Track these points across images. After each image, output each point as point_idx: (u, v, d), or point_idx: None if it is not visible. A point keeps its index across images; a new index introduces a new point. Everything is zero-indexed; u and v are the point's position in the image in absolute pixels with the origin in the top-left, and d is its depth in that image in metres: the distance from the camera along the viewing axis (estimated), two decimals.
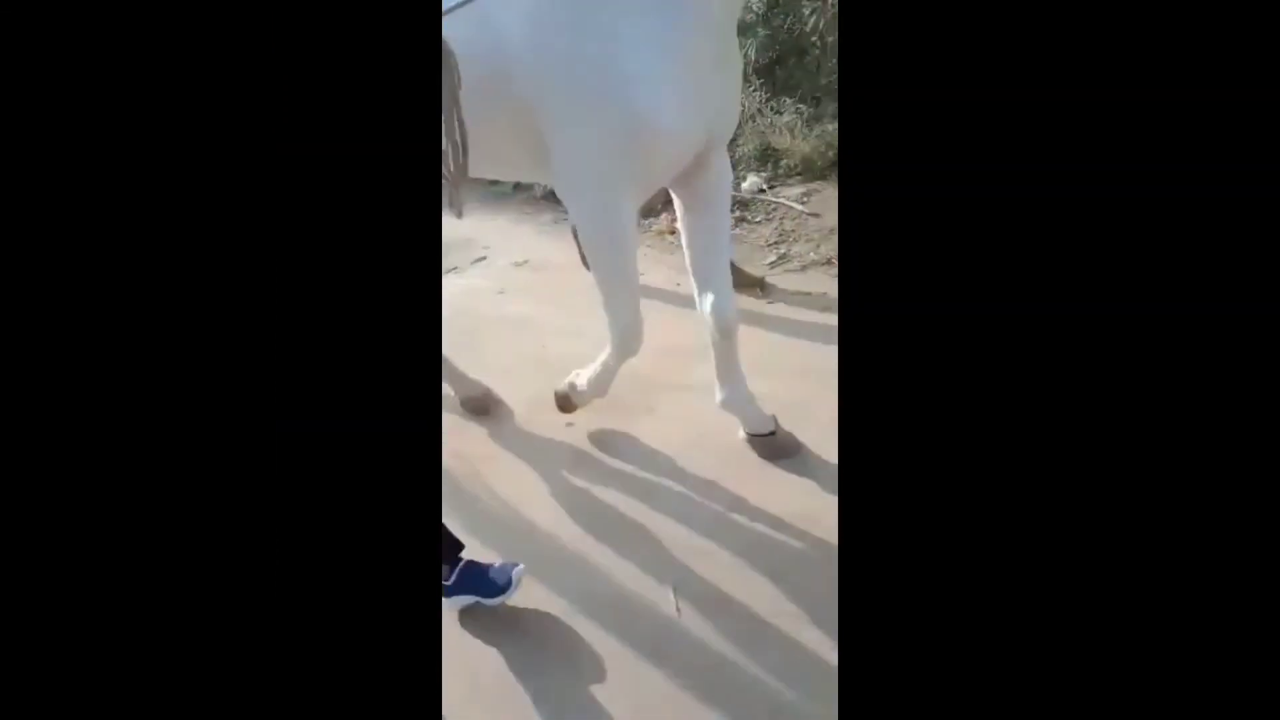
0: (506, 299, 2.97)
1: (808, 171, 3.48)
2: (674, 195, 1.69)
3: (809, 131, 3.50)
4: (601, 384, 1.88)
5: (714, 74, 1.39)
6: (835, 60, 3.46)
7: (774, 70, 3.82)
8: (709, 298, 1.67)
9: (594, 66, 1.27)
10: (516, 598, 1.50)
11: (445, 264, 3.04)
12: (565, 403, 1.96)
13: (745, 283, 2.64)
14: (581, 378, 1.91)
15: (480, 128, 1.30)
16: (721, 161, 1.62)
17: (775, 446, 1.82)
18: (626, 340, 1.69)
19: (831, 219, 3.13)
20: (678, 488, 1.82)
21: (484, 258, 3.33)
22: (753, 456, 1.87)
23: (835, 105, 3.47)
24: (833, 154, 3.44)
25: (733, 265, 2.32)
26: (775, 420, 1.84)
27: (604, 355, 1.82)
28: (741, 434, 1.86)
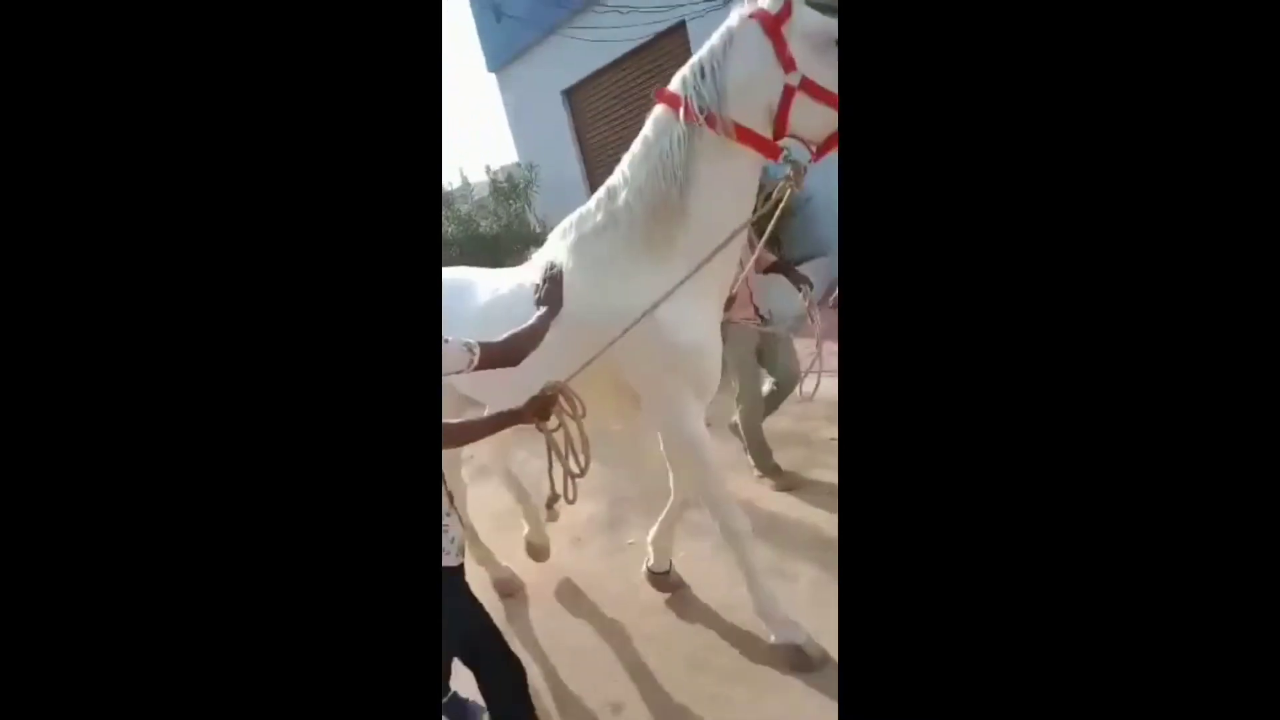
0: None
1: None
2: None
3: None
4: (762, 591, 1.96)
5: (716, 324, 1.85)
6: None
7: None
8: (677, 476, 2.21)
9: (648, 330, 1.65)
10: None
11: None
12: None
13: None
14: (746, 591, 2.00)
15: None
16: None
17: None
18: (726, 516, 1.87)
19: None
20: None
21: None
22: None
23: None
24: None
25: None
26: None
27: (738, 559, 1.93)
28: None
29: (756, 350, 3.04)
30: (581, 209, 1.80)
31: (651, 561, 2.36)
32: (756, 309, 3.00)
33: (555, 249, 1.84)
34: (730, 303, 2.62)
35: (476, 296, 2.01)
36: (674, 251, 1.64)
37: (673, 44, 6.44)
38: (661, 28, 6.36)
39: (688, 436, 1.80)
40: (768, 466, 3.12)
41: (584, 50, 7.04)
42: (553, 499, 1.74)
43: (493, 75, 8.86)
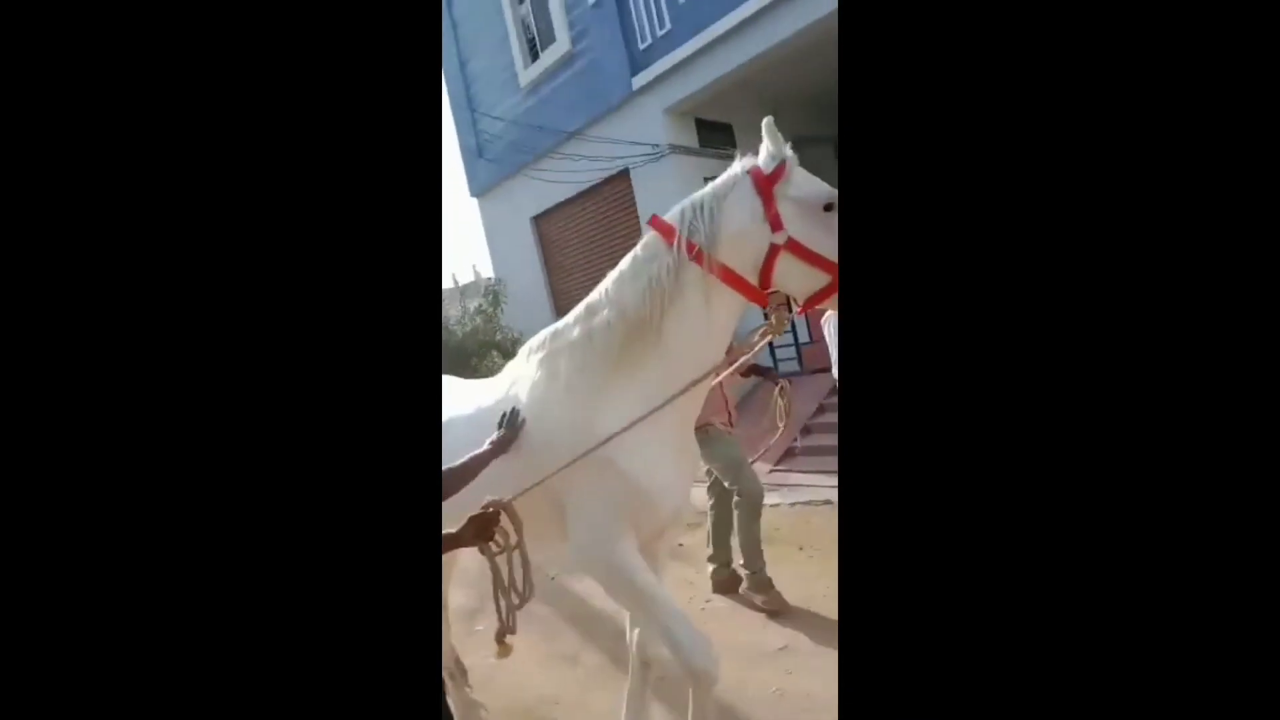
0: None
1: None
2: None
3: None
4: None
5: (683, 459, 1.74)
6: None
7: None
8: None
9: (599, 461, 1.56)
10: None
11: None
12: None
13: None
14: None
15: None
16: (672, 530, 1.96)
17: None
18: (706, 672, 1.61)
19: None
20: None
21: None
22: None
23: None
24: None
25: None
26: None
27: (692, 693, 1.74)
28: None
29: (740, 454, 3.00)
30: (557, 324, 1.78)
31: None
32: (730, 415, 3.02)
33: (527, 362, 1.80)
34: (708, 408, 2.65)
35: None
36: (643, 377, 1.60)
37: (619, 186, 7.67)
38: (609, 173, 7.61)
39: (613, 565, 1.64)
40: (758, 578, 3.01)
41: (549, 186, 8.30)
42: (501, 632, 1.49)
43: (474, 200, 10.18)
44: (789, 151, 1.57)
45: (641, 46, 7.01)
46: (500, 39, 8.79)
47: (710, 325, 1.61)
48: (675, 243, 1.59)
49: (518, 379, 1.81)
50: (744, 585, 3.12)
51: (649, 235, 1.66)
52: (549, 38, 8.17)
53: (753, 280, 1.58)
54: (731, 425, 3.02)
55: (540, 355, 1.78)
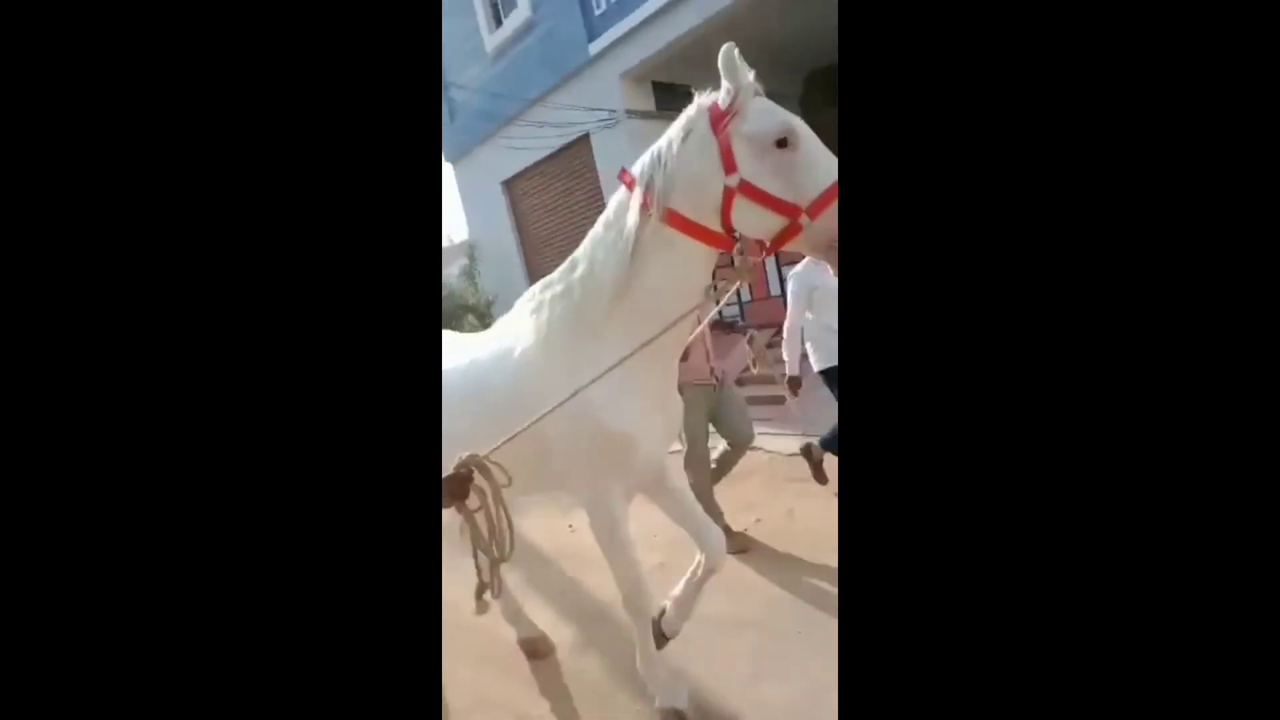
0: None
1: None
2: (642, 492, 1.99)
3: None
4: (649, 660, 1.99)
5: (663, 407, 1.78)
6: None
7: None
8: (703, 535, 1.94)
9: (578, 411, 1.56)
10: None
11: None
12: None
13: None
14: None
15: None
16: (667, 470, 1.98)
17: None
18: (634, 599, 1.86)
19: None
20: None
21: None
22: None
23: None
24: None
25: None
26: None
27: (638, 633, 1.96)
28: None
29: (709, 413, 3.04)
30: (550, 275, 1.80)
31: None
32: (712, 370, 3.04)
33: (519, 314, 1.85)
34: (685, 364, 2.77)
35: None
36: (614, 331, 1.59)
37: (580, 151, 7.93)
38: (568, 140, 7.86)
39: (608, 520, 1.76)
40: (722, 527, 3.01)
41: (518, 151, 8.56)
42: (480, 589, 1.54)
43: (450, 165, 10.42)
44: (747, 80, 1.44)
45: (597, 13, 7.19)
46: (466, 4, 8.92)
47: (678, 276, 1.57)
48: (635, 195, 1.56)
49: (508, 331, 1.86)
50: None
51: (620, 191, 1.63)
52: (510, 4, 8.31)
53: (715, 226, 1.50)
54: (714, 380, 3.04)
55: (530, 306, 1.81)
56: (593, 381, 1.50)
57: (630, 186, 1.59)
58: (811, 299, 3.19)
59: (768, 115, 1.43)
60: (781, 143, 1.39)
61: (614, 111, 7.29)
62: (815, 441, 3.42)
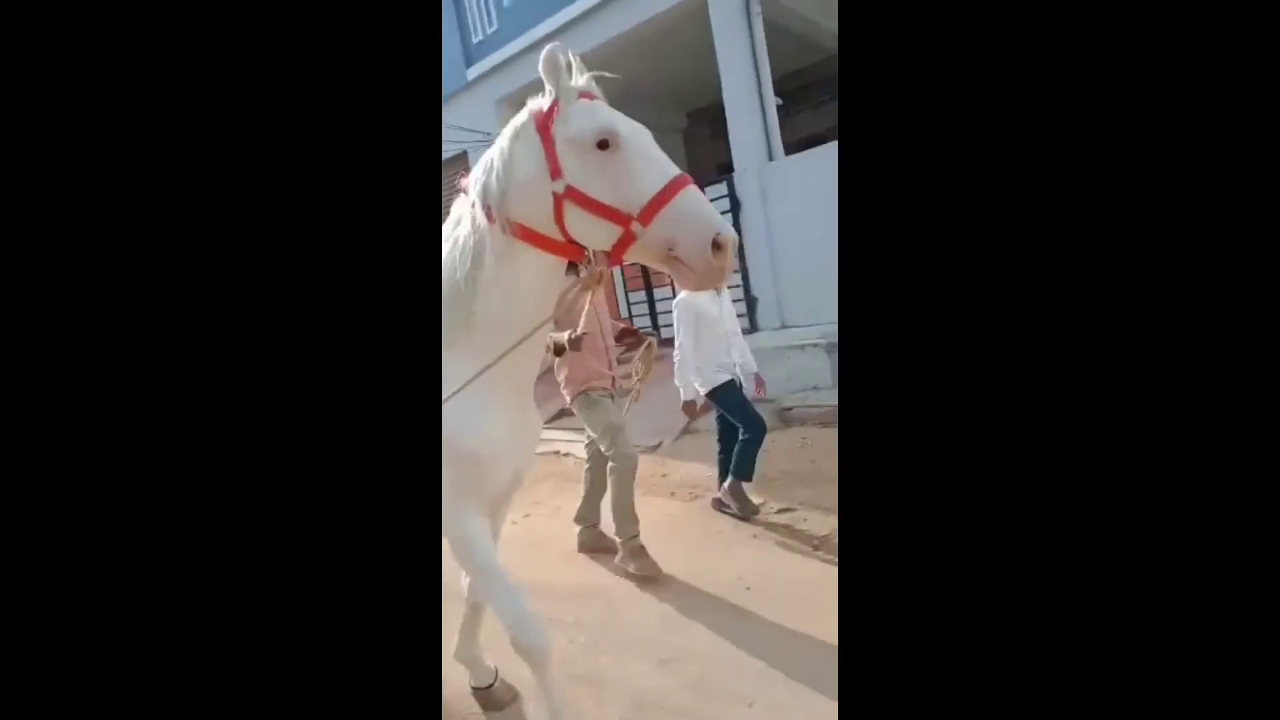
0: None
1: None
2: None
3: None
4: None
5: (519, 423, 1.70)
6: None
7: None
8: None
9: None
10: None
11: None
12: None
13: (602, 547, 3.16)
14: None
15: None
16: (516, 490, 1.95)
17: (491, 699, 2.12)
18: (537, 650, 1.67)
19: None
20: None
21: None
22: None
23: None
24: None
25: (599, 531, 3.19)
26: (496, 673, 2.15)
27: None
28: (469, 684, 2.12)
29: (615, 415, 2.98)
30: None
31: (471, 679, 2.18)
32: (613, 379, 2.99)
33: None
34: (578, 372, 2.86)
35: None
36: (463, 347, 1.51)
37: (459, 167, 8.35)
38: (449, 155, 8.28)
39: (456, 536, 1.67)
40: (631, 545, 2.92)
41: None
42: None
43: None
44: (571, 82, 1.39)
45: (475, 40, 7.72)
46: None
47: (524, 286, 1.49)
48: (471, 203, 1.51)
49: None
50: (619, 555, 2.97)
51: (459, 198, 1.57)
52: None
53: (554, 234, 1.42)
54: (613, 388, 3.00)
55: None
56: (454, 394, 1.42)
57: (466, 192, 1.55)
58: (697, 326, 3.21)
59: (587, 116, 1.36)
60: (602, 144, 1.33)
61: (489, 134, 7.81)
62: (724, 485, 3.37)
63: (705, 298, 3.19)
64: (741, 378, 3.33)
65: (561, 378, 2.99)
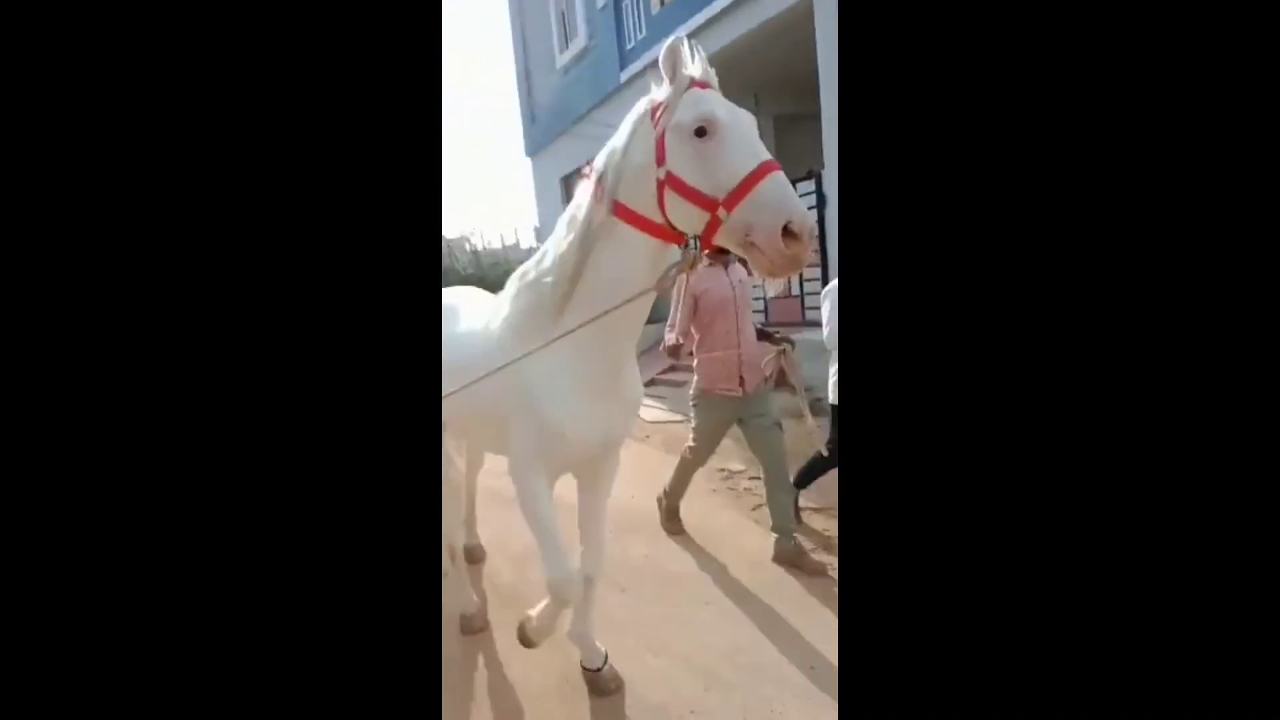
0: None
1: None
2: (575, 475, 2.10)
3: None
4: (545, 629, 2.06)
5: (610, 396, 1.81)
6: None
7: None
8: (586, 552, 2.10)
9: (522, 393, 1.75)
10: None
11: None
12: (523, 637, 2.10)
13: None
14: (532, 618, 2.08)
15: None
16: (613, 457, 2.07)
17: (599, 683, 2.13)
18: (558, 589, 1.91)
19: None
20: None
21: None
22: None
23: None
24: None
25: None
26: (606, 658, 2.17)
27: (544, 602, 2.02)
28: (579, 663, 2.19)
29: (738, 422, 2.99)
30: (524, 265, 1.89)
31: (581, 658, 2.23)
32: (742, 379, 2.93)
33: (504, 297, 1.94)
34: (710, 371, 2.95)
35: (457, 320, 2.16)
36: (568, 319, 1.62)
37: None
38: None
39: (523, 487, 1.87)
40: (671, 508, 3.18)
41: (576, 152, 10.15)
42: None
43: (529, 160, 12.27)
44: (689, 72, 1.45)
45: (628, 46, 8.54)
46: (546, 26, 10.59)
47: (625, 268, 1.56)
48: (589, 187, 1.60)
49: (496, 308, 1.99)
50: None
51: (583, 181, 1.67)
52: (574, 31, 9.86)
53: (658, 219, 1.49)
54: (744, 390, 2.94)
55: (510, 290, 1.91)
56: (527, 355, 1.60)
57: (587, 178, 1.64)
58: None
59: (690, 104, 1.41)
60: (700, 132, 1.37)
61: None
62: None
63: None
64: None
65: (696, 371, 3.08)
